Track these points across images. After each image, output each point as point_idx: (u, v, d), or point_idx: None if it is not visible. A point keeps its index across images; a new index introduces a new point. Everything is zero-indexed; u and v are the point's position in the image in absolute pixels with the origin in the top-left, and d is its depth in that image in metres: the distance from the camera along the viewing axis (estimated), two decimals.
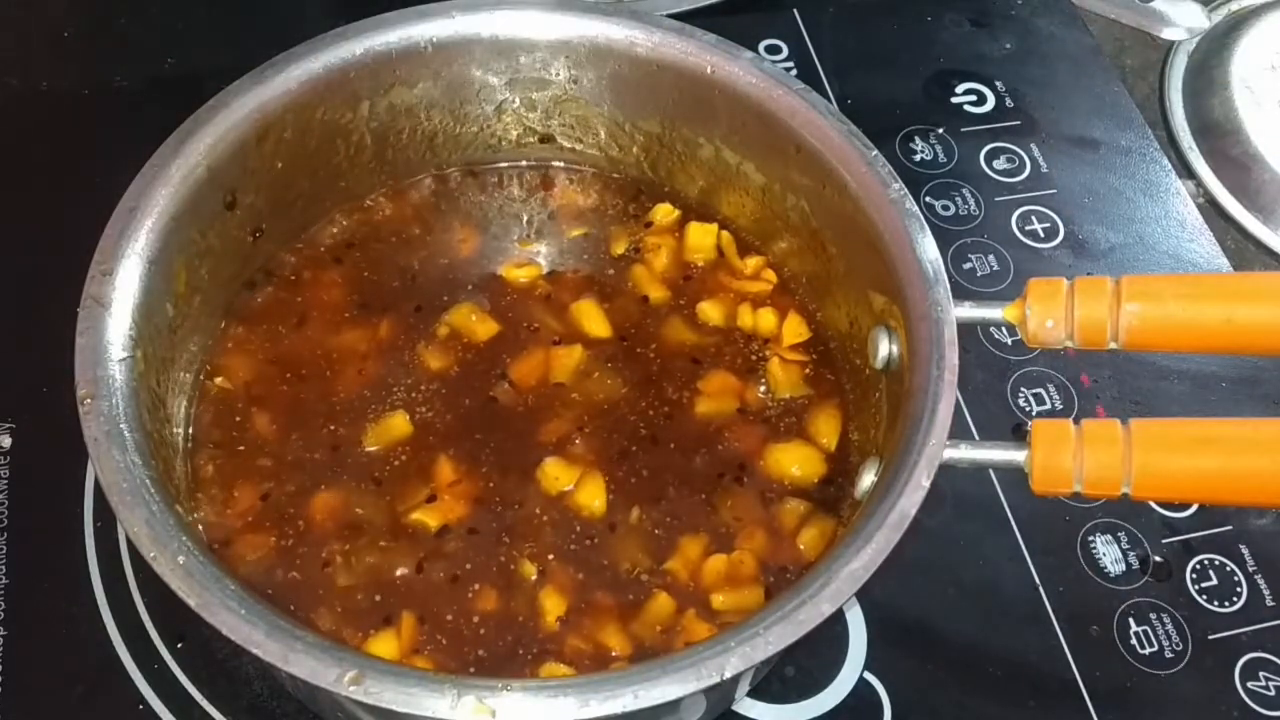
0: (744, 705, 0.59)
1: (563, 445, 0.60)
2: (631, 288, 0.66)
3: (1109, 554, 0.66)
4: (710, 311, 0.65)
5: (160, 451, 0.53)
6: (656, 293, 0.66)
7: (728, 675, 0.44)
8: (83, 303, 0.53)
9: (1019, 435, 0.60)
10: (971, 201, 0.80)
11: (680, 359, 0.64)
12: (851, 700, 0.60)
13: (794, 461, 0.60)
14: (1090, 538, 0.66)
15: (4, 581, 0.61)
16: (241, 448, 0.59)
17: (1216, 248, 0.79)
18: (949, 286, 0.54)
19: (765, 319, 0.65)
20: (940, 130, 0.84)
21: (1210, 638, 0.63)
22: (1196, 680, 0.62)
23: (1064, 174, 0.82)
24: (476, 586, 0.56)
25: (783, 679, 0.60)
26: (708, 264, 0.67)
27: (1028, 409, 0.70)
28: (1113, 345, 0.52)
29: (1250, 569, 0.66)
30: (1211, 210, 0.86)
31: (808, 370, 0.64)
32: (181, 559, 0.46)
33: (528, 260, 0.67)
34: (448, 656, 0.54)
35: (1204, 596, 0.65)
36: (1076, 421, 0.51)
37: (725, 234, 0.68)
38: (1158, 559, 0.66)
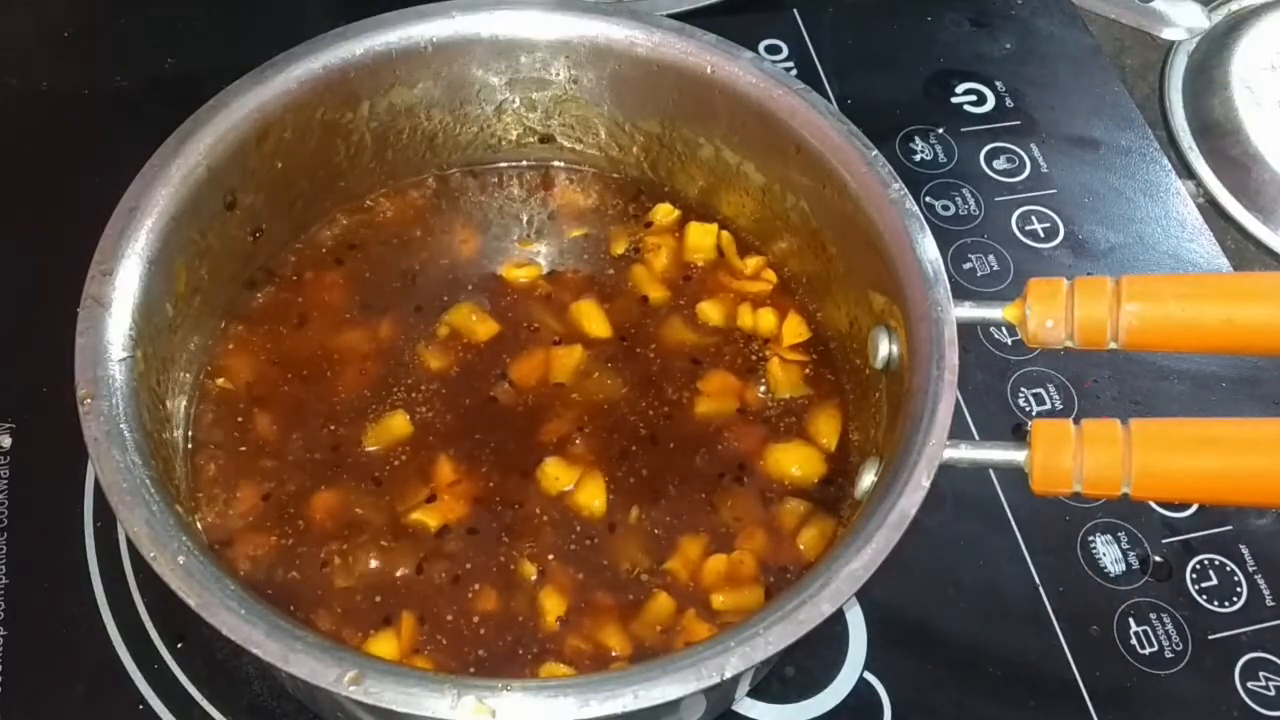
0: (744, 705, 0.59)
1: (563, 445, 0.60)
2: (631, 288, 0.66)
3: (1109, 554, 0.66)
4: (710, 311, 0.65)
5: (160, 452, 0.52)
6: (656, 293, 0.66)
7: (728, 675, 0.44)
8: (83, 303, 0.53)
9: (1019, 435, 0.60)
10: (971, 201, 0.80)
11: (680, 359, 0.64)
12: (851, 700, 0.60)
13: (794, 461, 0.60)
14: (1090, 538, 0.66)
15: (4, 581, 0.61)
16: (242, 448, 0.59)
17: (1216, 248, 0.79)
18: (949, 286, 0.54)
19: (765, 319, 0.65)
20: (940, 130, 0.84)
21: (1210, 638, 0.63)
22: (1196, 680, 0.62)
23: (1064, 174, 0.82)
24: (476, 586, 0.56)
25: (783, 679, 0.60)
26: (708, 264, 0.67)
27: (1028, 409, 0.70)
28: (1113, 345, 0.52)
29: (1250, 569, 0.66)
30: (1211, 210, 0.86)
31: (808, 370, 0.64)
32: (181, 559, 0.46)
33: (528, 260, 0.67)
34: (448, 656, 0.54)
35: (1204, 596, 0.65)
36: (1076, 421, 0.51)
37: (725, 234, 0.68)
38: (1158, 559, 0.66)
